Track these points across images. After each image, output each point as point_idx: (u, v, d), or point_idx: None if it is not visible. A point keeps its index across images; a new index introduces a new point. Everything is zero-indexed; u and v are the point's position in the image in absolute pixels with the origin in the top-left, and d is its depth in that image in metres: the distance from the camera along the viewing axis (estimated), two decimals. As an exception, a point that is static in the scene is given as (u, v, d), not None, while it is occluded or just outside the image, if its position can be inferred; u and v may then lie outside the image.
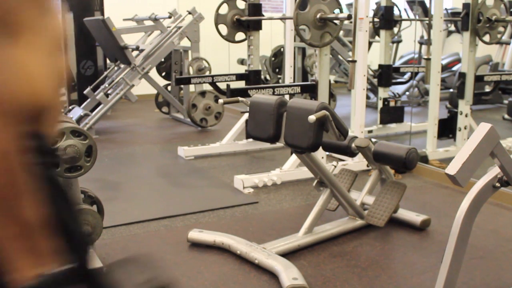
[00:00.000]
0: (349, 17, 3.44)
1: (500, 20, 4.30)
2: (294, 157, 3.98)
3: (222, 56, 6.80)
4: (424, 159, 4.20)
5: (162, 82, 6.54)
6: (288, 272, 2.36)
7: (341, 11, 3.63)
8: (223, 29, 4.86)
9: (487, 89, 6.54)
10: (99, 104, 5.63)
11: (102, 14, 6.20)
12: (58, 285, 0.65)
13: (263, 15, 4.95)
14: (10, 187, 0.61)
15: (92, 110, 5.62)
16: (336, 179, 2.83)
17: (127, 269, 0.80)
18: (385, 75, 5.43)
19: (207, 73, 5.81)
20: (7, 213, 0.62)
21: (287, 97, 3.90)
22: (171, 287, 0.84)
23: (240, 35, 4.99)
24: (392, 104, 5.47)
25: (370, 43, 5.80)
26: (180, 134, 5.82)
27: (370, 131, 5.17)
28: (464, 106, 4.30)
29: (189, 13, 5.93)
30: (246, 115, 4.47)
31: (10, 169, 0.60)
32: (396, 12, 5.72)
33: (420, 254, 2.71)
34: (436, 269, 1.90)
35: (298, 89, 4.06)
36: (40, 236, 0.65)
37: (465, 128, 4.34)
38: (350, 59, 3.80)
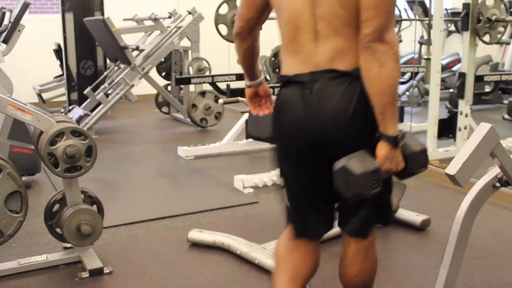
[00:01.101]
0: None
1: (500, 20, 4.30)
2: (294, 157, 3.98)
3: (222, 56, 6.78)
4: (424, 159, 4.19)
5: (162, 82, 6.54)
6: (288, 272, 2.35)
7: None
8: (223, 29, 4.86)
9: (487, 89, 6.54)
10: (99, 104, 5.63)
11: (102, 14, 6.20)
12: (402, 138, 1.47)
13: (263, 15, 4.95)
14: (396, 87, 1.45)
15: (92, 110, 5.62)
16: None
17: (409, 136, 1.52)
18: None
19: (207, 73, 5.81)
20: (393, 100, 1.44)
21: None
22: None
23: (240, 35, 4.98)
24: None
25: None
26: (180, 134, 5.82)
27: (370, 131, 5.17)
28: (464, 106, 4.30)
29: (189, 13, 5.93)
30: (246, 115, 4.47)
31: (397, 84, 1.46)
32: (396, 12, 5.72)
33: (420, 254, 2.71)
34: (436, 269, 1.90)
35: (298, 89, 4.05)
36: (396, 110, 1.46)
37: (465, 128, 4.34)
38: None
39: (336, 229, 2.87)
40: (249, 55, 1.82)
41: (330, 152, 1.52)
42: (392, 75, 1.41)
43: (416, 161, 1.54)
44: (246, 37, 1.75)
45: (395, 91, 1.44)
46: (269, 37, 7.11)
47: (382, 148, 1.46)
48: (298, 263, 1.70)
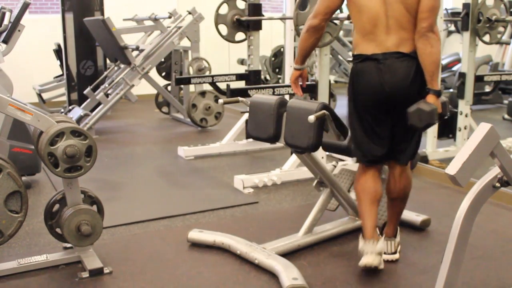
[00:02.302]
0: (349, 17, 3.43)
1: (500, 20, 4.30)
2: (294, 157, 3.98)
3: (222, 56, 6.80)
4: (424, 159, 4.20)
5: (162, 82, 6.54)
6: (288, 272, 2.35)
7: (341, 11, 3.63)
8: (223, 29, 4.86)
9: (487, 89, 6.53)
10: (99, 104, 5.63)
11: (102, 14, 6.20)
12: (442, 92, 2.43)
13: (263, 15, 4.95)
14: (440, 60, 2.40)
15: (92, 110, 5.62)
16: (336, 179, 2.83)
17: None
18: (385, 75, 5.41)
19: (207, 73, 5.81)
20: (438, 68, 2.32)
21: (287, 97, 3.90)
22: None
23: (240, 35, 4.99)
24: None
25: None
26: (180, 134, 5.82)
27: (370, 131, 5.17)
28: (464, 106, 4.30)
29: (189, 13, 5.93)
30: (246, 115, 4.47)
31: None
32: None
33: (420, 254, 2.71)
34: (436, 269, 1.90)
35: (298, 89, 4.05)
36: (439, 75, 2.82)
37: (465, 128, 4.34)
38: (350, 59, 3.80)
39: (336, 229, 2.88)
40: (313, 44, 2.55)
41: (393, 103, 2.37)
42: (437, 52, 2.28)
43: (445, 108, 2.42)
44: (318, 30, 2.48)
45: (439, 63, 2.32)
46: (269, 37, 7.09)
47: (431, 98, 2.32)
48: (372, 186, 2.53)
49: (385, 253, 2.61)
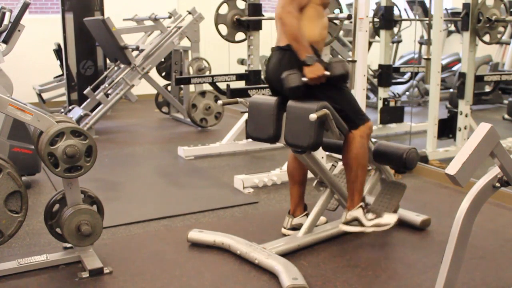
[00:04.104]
0: (349, 17, 3.43)
1: (500, 20, 4.30)
2: (294, 157, 3.98)
3: (222, 56, 6.79)
4: (424, 159, 4.20)
5: (162, 82, 6.53)
6: (288, 272, 2.35)
7: (341, 11, 3.63)
8: (223, 29, 4.86)
9: (487, 89, 6.53)
10: (99, 104, 5.63)
11: (102, 14, 6.20)
12: (310, 59, 2.59)
13: (263, 15, 4.95)
14: (294, 34, 2.63)
15: (92, 110, 5.62)
16: (336, 179, 2.83)
17: None
18: (385, 75, 5.43)
19: (207, 73, 5.81)
20: (295, 42, 2.61)
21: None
22: None
23: (240, 35, 4.99)
24: (392, 104, 5.47)
25: (370, 43, 5.79)
26: (180, 134, 5.82)
27: (370, 131, 5.17)
28: (464, 106, 4.30)
29: (189, 13, 5.93)
30: (246, 115, 4.47)
31: None
32: (396, 12, 5.72)
33: (420, 254, 2.71)
34: (436, 269, 1.90)
35: (298, 89, 4.04)
36: (300, 47, 2.63)
37: (465, 128, 4.34)
38: (350, 59, 3.79)
39: (336, 229, 2.88)
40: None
41: (276, 88, 2.73)
42: (290, 29, 2.56)
43: (333, 67, 2.57)
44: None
45: (295, 36, 2.56)
46: (269, 37, 7.11)
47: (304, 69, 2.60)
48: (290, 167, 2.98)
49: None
